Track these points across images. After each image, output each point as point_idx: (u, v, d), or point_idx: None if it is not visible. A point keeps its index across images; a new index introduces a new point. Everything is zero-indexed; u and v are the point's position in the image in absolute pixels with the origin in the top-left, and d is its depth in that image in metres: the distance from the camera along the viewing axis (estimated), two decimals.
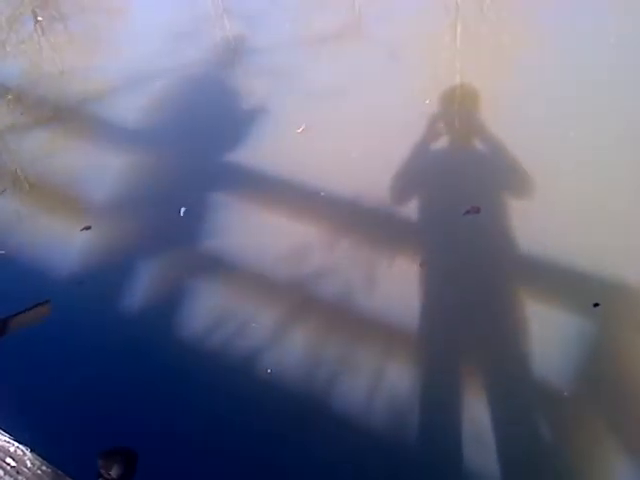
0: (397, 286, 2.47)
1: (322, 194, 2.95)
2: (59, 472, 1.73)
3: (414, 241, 2.67)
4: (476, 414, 2.00)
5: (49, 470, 1.74)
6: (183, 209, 2.99)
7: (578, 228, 2.55)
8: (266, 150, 3.29)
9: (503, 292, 2.37)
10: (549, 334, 2.18)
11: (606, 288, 2.29)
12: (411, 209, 2.82)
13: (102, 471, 1.92)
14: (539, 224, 2.59)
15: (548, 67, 3.57)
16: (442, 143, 3.18)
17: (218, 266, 2.68)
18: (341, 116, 3.46)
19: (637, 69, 3.41)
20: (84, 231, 2.96)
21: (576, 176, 2.79)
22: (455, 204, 2.78)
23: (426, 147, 3.16)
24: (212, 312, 2.47)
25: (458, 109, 3.43)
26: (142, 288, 2.62)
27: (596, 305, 2.23)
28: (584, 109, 3.19)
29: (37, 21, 5.23)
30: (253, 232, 2.82)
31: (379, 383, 2.14)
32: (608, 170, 2.78)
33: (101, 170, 3.37)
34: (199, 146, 3.45)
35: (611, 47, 3.63)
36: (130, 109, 3.85)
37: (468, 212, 2.70)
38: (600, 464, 1.83)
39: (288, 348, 2.29)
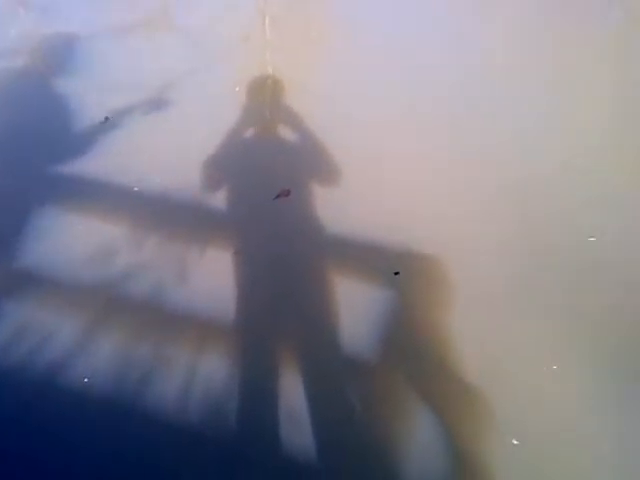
0: (210, 278, 2.41)
1: (135, 189, 2.81)
2: None
3: (227, 230, 2.64)
4: (292, 399, 2.01)
5: None
6: None
7: (375, 206, 2.68)
8: (71, 147, 3.07)
9: (314, 274, 2.41)
10: (358, 310, 2.26)
11: (403, 257, 2.43)
12: (222, 198, 2.78)
13: None
14: (342, 205, 2.69)
15: (354, 60, 3.73)
16: (252, 131, 3.19)
17: (24, 275, 2.45)
18: (146, 109, 3.33)
19: (435, 66, 3.66)
20: None
21: (377, 161, 2.93)
22: (266, 190, 2.79)
23: (236, 135, 3.14)
24: (18, 324, 2.25)
25: (269, 98, 3.45)
26: None
27: (396, 273, 2.35)
28: (386, 96, 3.37)
29: None
30: (62, 236, 2.61)
31: (195, 377, 2.08)
32: (406, 157, 2.96)
33: None
34: None
35: (418, 44, 3.90)
36: None
37: (278, 196, 2.73)
38: (409, 432, 1.92)
39: (102, 353, 2.16)
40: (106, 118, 3.24)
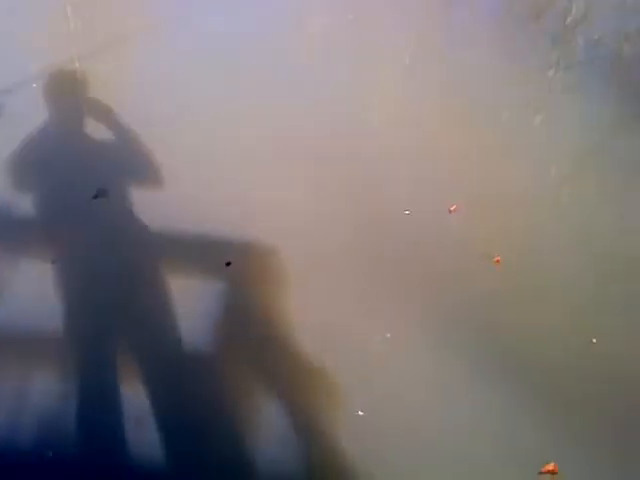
0: (28, 291, 2.19)
1: None
2: None
3: (43, 237, 2.41)
4: (136, 405, 1.90)
5: None
6: None
7: (201, 199, 2.64)
8: None
9: (143, 274, 2.31)
10: (193, 305, 2.20)
11: (234, 248, 2.42)
12: (34, 202, 2.54)
13: None
14: (166, 201, 2.61)
15: (168, 56, 3.60)
16: (58, 128, 2.98)
17: None
18: None
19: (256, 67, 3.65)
20: None
21: (200, 156, 2.88)
22: (83, 190, 2.61)
23: (42, 134, 2.91)
24: None
25: (76, 94, 3.22)
26: None
27: (228, 264, 2.33)
28: (207, 94, 3.31)
29: None
30: None
31: (26, 396, 1.89)
32: (232, 152, 2.93)
33: None
34: None
35: (240, 43, 3.85)
36: None
37: (96, 196, 2.58)
38: (259, 419, 1.90)
39: None
40: None
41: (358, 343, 2.12)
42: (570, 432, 1.90)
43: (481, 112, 3.27)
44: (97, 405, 1.91)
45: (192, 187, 2.68)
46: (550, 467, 1.80)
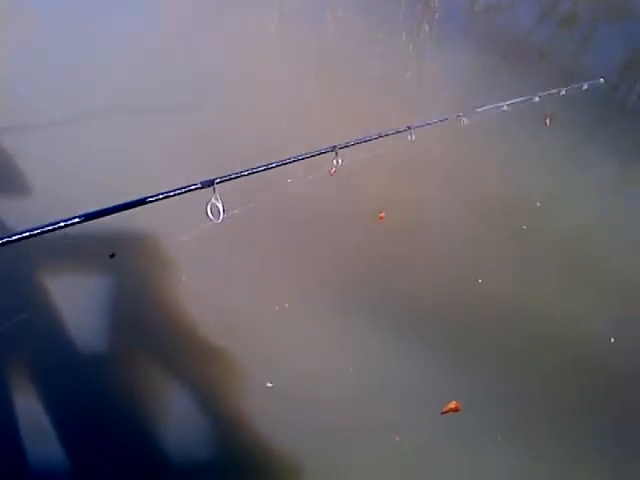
0: None
1: None
2: None
3: None
4: (36, 413, 1.79)
5: None
6: None
7: (80, 192, 2.47)
8: None
9: (29, 270, 2.16)
10: (79, 300, 2.09)
11: (119, 240, 2.30)
12: None
13: None
14: (42, 197, 2.46)
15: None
16: None
17: None
18: None
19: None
20: None
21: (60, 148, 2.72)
22: None
23: None
24: None
25: None
26: None
27: (112, 256, 2.24)
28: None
29: None
30: None
31: None
32: (98, 141, 2.77)
33: None
34: None
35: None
36: None
37: None
38: (168, 404, 1.86)
39: None
40: None
41: (257, 317, 2.11)
42: (470, 371, 2.00)
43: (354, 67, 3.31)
44: None
45: (67, 180, 2.53)
46: (452, 405, 1.89)
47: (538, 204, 2.70)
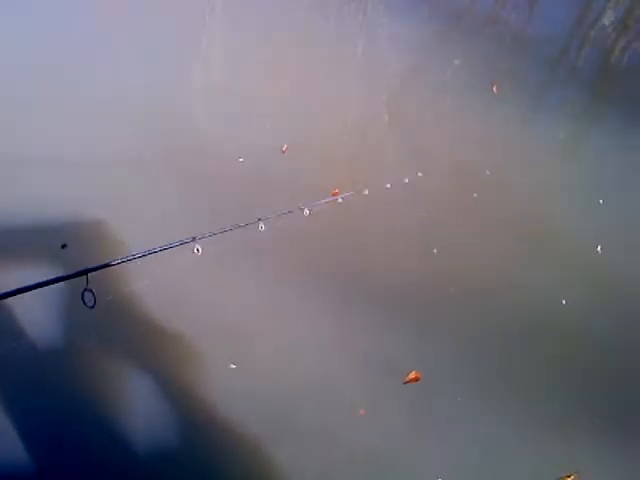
0: None
1: None
2: None
3: None
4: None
5: None
6: None
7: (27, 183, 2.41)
8: None
9: None
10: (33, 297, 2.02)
11: (68, 229, 2.25)
12: None
13: None
14: None
15: None
16: None
17: None
18: None
19: None
20: None
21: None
22: None
23: None
24: None
25: None
26: None
27: (64, 246, 2.19)
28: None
29: None
30: None
31: None
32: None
33: None
34: None
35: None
36: None
37: None
38: (130, 395, 1.83)
39: None
40: None
41: (218, 297, 2.10)
42: (431, 339, 2.04)
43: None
44: None
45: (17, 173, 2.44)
46: (412, 375, 1.93)
47: (487, 172, 2.75)
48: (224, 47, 3.33)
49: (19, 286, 1.40)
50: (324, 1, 3.87)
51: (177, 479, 1.66)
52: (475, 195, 2.62)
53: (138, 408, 1.80)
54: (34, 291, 1.95)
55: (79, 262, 2.08)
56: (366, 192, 2.53)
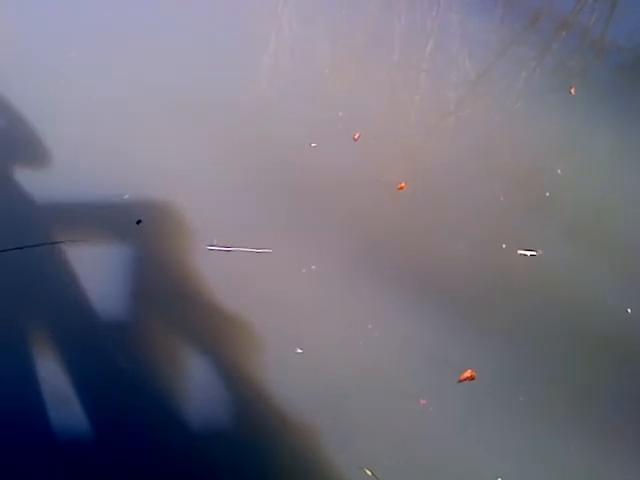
0: None
1: None
2: None
3: None
4: (59, 379, 1.80)
5: None
6: None
7: (103, 164, 2.52)
8: None
9: (55, 237, 2.17)
10: (106, 268, 2.11)
11: (144, 205, 2.34)
12: None
13: None
14: (65, 167, 2.47)
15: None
16: None
17: None
18: None
19: None
20: None
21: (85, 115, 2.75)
22: None
23: None
24: None
25: None
26: None
27: (139, 222, 2.26)
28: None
29: None
30: None
31: None
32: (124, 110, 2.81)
33: None
34: None
35: None
36: None
37: None
38: (188, 376, 1.86)
39: None
40: None
41: (283, 278, 2.12)
42: (486, 339, 2.00)
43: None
44: (16, 385, 1.79)
45: (91, 147, 2.56)
46: (468, 374, 1.90)
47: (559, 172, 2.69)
48: (298, 39, 3.39)
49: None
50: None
51: (231, 463, 1.67)
52: (548, 194, 2.58)
53: (199, 390, 1.82)
54: (109, 269, 2.06)
55: (153, 237, 2.21)
56: (431, 188, 2.54)
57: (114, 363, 1.85)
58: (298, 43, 3.32)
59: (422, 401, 1.80)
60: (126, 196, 2.38)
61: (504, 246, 2.31)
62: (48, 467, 1.62)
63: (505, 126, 2.95)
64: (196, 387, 1.81)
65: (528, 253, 2.28)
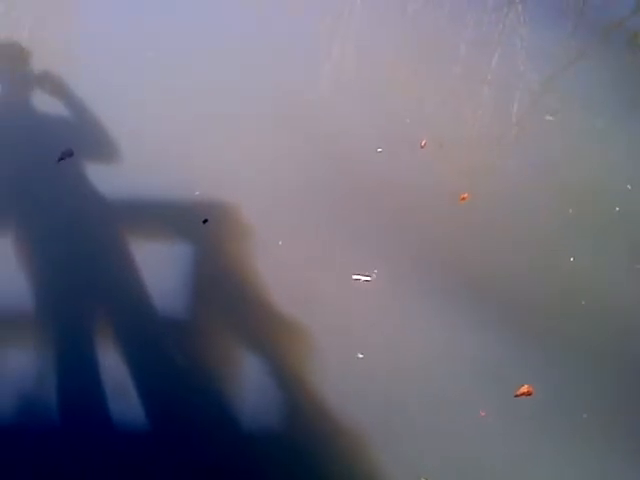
0: None
1: None
2: None
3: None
4: (117, 371, 1.85)
5: None
6: None
7: (173, 160, 2.60)
8: None
9: (114, 238, 2.25)
10: (168, 265, 2.16)
11: (210, 205, 2.39)
12: None
13: None
14: (135, 162, 2.57)
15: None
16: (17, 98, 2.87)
17: None
18: None
19: None
20: None
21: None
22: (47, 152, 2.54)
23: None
24: None
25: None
26: None
27: (205, 221, 2.31)
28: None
29: None
30: None
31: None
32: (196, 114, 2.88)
33: None
34: None
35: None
36: None
37: (62, 158, 2.50)
38: (241, 378, 1.88)
39: None
40: None
41: (336, 287, 2.13)
42: (545, 354, 1.96)
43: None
44: (78, 377, 1.85)
45: (163, 145, 2.65)
46: (524, 389, 1.86)
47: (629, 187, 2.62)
48: (366, 46, 3.42)
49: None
50: (464, 9, 3.84)
51: (284, 464, 1.67)
52: (617, 209, 2.51)
53: (256, 391, 1.83)
54: (173, 267, 2.11)
55: (219, 237, 2.26)
56: (495, 200, 2.51)
57: (173, 360, 1.89)
58: (366, 50, 3.35)
59: (482, 412, 1.78)
60: (197, 193, 2.44)
61: (572, 259, 2.27)
62: (103, 454, 1.66)
63: (571, 139, 2.89)
64: (253, 388, 1.83)
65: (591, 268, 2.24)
